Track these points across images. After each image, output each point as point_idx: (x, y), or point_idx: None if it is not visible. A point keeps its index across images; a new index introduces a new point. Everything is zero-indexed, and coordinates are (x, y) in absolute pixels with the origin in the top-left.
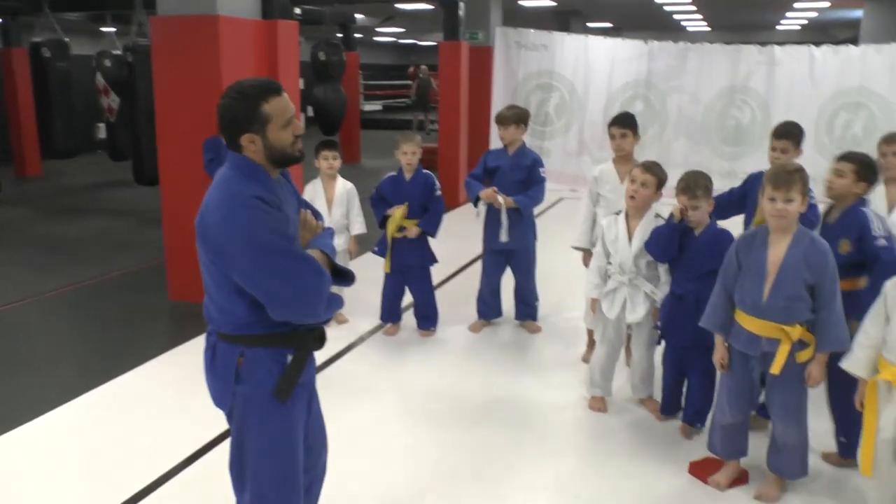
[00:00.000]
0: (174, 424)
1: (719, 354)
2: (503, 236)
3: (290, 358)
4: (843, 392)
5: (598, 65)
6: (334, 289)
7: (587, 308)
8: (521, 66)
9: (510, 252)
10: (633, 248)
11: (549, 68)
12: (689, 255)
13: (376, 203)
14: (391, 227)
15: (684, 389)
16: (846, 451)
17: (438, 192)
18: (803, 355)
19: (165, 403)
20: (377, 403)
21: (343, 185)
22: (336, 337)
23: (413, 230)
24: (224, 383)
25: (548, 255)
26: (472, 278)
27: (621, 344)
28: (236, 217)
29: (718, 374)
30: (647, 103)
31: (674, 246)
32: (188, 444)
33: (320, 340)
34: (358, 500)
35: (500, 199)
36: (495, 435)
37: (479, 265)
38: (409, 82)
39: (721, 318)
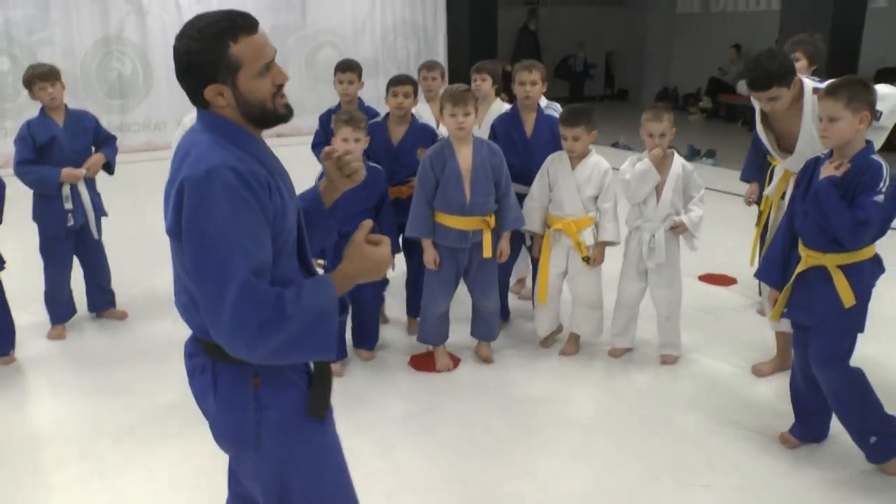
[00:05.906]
0: None
1: (431, 256)
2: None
3: (312, 365)
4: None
5: None
6: None
7: None
8: None
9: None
10: None
11: None
12: (349, 198)
13: None
14: None
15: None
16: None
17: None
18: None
19: None
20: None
21: None
22: None
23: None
24: (242, 415)
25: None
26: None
27: None
28: (198, 187)
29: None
30: (13, 60)
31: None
32: None
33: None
34: None
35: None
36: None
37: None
38: None
39: (428, 225)
